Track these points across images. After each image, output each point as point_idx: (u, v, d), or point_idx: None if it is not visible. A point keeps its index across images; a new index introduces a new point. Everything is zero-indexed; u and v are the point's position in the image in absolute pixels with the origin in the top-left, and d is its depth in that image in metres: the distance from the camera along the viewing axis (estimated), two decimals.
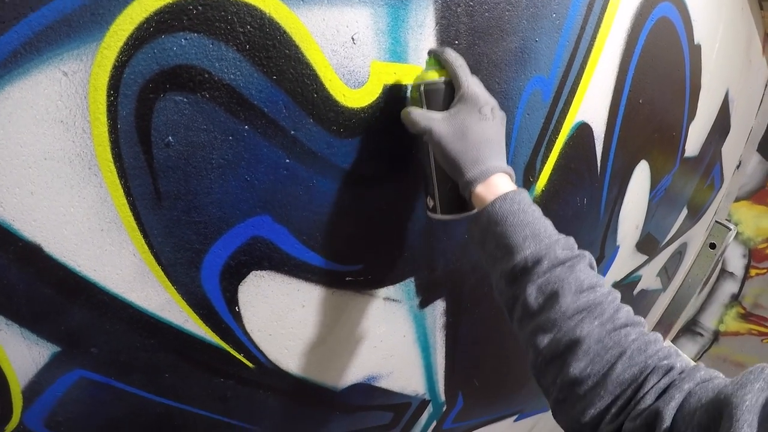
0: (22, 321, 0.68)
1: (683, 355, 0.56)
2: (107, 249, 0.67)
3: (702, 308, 2.74)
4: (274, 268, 0.82)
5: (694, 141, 1.64)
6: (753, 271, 2.63)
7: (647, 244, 1.74)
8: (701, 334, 2.74)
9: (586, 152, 1.16)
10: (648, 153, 1.40)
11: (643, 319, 0.60)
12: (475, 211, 0.70)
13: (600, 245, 1.40)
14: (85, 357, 0.76)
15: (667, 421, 0.48)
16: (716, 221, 2.27)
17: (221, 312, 0.81)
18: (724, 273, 2.68)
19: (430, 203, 0.75)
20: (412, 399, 1.25)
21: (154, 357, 0.81)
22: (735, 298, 2.68)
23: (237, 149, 0.69)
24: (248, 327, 0.86)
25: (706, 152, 1.80)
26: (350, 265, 0.89)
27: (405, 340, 1.07)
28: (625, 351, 0.54)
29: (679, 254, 2.16)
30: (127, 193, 0.65)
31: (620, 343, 0.54)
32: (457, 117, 0.67)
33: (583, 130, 1.11)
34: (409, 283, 0.98)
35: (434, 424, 1.43)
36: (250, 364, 0.90)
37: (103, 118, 0.60)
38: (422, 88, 0.70)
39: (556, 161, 1.08)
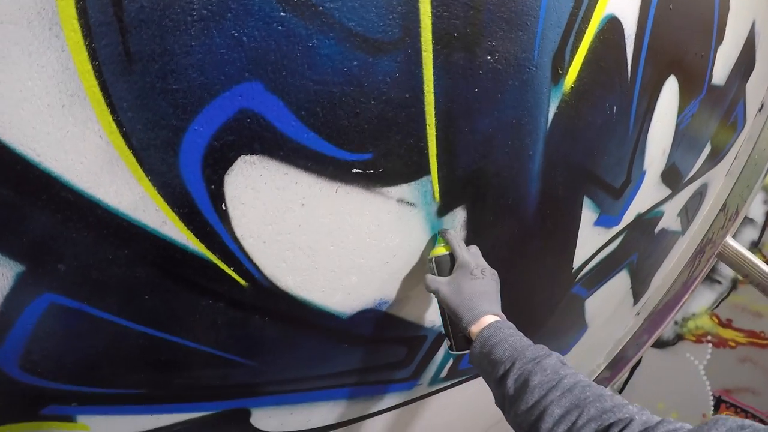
0: None
1: (647, 412, 0.64)
2: (69, 131, 0.59)
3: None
4: (267, 153, 0.72)
5: (721, 68, 1.55)
6: None
7: (671, 176, 1.64)
8: (719, 282, 2.66)
9: (616, 51, 1.04)
10: (677, 69, 1.30)
11: (604, 387, 0.71)
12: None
13: (627, 166, 1.29)
14: (53, 277, 0.68)
15: None
16: None
17: (205, 210, 0.72)
18: (744, 219, 2.59)
19: (448, 343, 0.98)
20: (427, 332, 1.15)
21: (130, 273, 0.73)
22: (755, 245, 2.60)
23: None
24: (237, 231, 0.77)
25: (731, 84, 1.71)
26: (358, 153, 0.78)
27: (419, 257, 0.97)
28: (584, 410, 0.65)
29: (700, 195, 2.07)
30: (93, 56, 0.57)
31: (579, 404, 0.66)
32: (455, 280, 0.90)
33: (613, 25, 1.01)
34: (426, 183, 0.87)
35: (450, 363, 1.34)
36: (242, 282, 0.82)
37: None
38: (432, 260, 0.94)
39: (585, 55, 0.97)
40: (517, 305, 1.30)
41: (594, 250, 1.41)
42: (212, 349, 0.89)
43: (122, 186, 0.65)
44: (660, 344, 2.65)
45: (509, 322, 0.87)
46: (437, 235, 0.96)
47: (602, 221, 1.34)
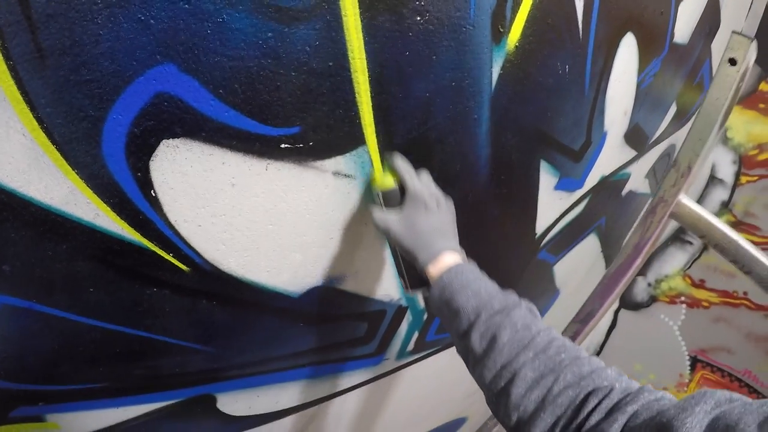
0: None
1: (625, 377, 0.61)
2: None
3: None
4: (188, 135, 0.69)
5: (683, 26, 1.52)
6: (744, 179, 2.56)
7: (636, 137, 1.63)
8: (690, 243, 2.68)
9: (564, 7, 1.01)
10: (635, 26, 1.27)
11: (579, 347, 0.66)
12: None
13: (586, 127, 1.27)
14: (0, 278, 0.68)
15: None
16: (733, 32, 1.85)
17: (135, 199, 0.70)
18: (713, 180, 2.60)
19: (402, 282, 0.95)
20: (386, 305, 1.13)
21: (71, 267, 0.72)
22: (725, 206, 2.62)
23: None
24: (171, 217, 0.75)
25: (695, 43, 1.68)
26: (284, 127, 0.75)
27: (367, 229, 0.94)
28: (559, 375, 0.61)
29: (668, 156, 2.06)
30: (6, 56, 0.55)
31: (554, 368, 0.62)
32: (408, 214, 0.83)
33: None
34: (363, 153, 0.84)
35: (416, 335, 1.32)
36: (184, 267, 0.80)
37: None
38: (379, 194, 0.86)
39: (529, 11, 0.92)
40: (485, 270, 1.29)
41: (557, 215, 1.40)
42: (165, 337, 0.88)
43: (51, 182, 0.64)
44: (634, 306, 2.68)
45: (471, 263, 0.82)
46: (382, 161, 0.87)
47: (563, 185, 1.32)
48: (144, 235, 0.74)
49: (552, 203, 1.33)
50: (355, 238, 0.95)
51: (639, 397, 0.55)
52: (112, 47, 0.59)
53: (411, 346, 1.36)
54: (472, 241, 1.14)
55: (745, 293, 2.56)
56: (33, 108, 0.59)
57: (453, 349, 1.43)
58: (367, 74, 0.77)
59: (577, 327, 2.26)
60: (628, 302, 2.69)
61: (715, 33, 1.81)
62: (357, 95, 0.78)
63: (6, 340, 0.74)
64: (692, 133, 1.92)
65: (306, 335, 1.08)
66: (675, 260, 2.65)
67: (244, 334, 0.98)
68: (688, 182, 1.90)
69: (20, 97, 0.58)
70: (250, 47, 0.67)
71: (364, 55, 0.75)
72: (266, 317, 0.97)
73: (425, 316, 1.27)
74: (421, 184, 0.84)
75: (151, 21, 0.60)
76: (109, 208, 0.69)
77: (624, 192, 1.82)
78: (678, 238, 2.66)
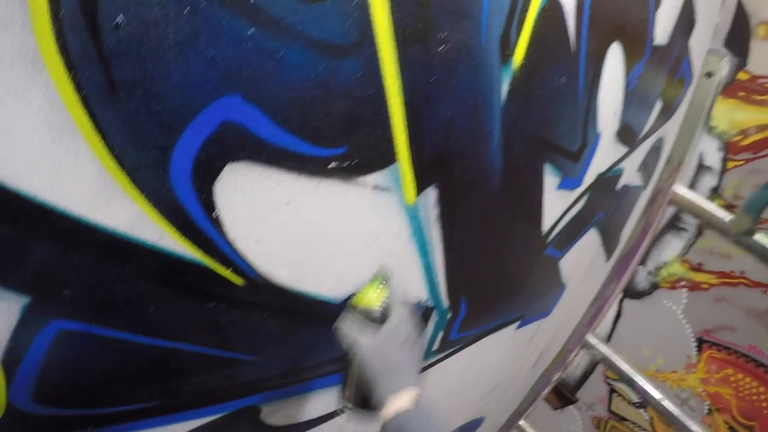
0: None
1: None
2: (62, 162, 0.61)
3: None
4: (250, 158, 0.76)
5: (662, 29, 1.62)
6: (730, 164, 2.64)
7: (626, 134, 1.72)
8: (685, 229, 2.77)
9: (558, 29, 1.12)
10: (620, 35, 1.38)
11: None
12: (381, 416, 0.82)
13: (582, 130, 1.38)
14: (58, 303, 0.70)
15: None
16: (709, 50, 2.17)
17: (198, 220, 0.76)
18: (701, 168, 2.69)
19: (346, 393, 0.91)
20: (415, 307, 1.22)
21: (133, 288, 0.75)
22: (715, 191, 2.70)
23: (194, 23, 0.63)
24: (230, 235, 0.80)
25: (674, 42, 1.78)
26: (332, 148, 0.84)
27: (400, 236, 1.03)
28: None
29: (657, 149, 2.15)
30: (78, 87, 0.59)
31: None
32: (383, 343, 0.83)
33: (552, 5, 1.08)
34: (396, 168, 0.93)
35: (441, 335, 1.41)
36: (239, 281, 0.86)
37: (43, 8, 0.54)
38: (359, 312, 0.90)
39: (530, 35, 1.04)
40: (495, 272, 1.38)
41: (561, 212, 1.50)
42: (218, 351, 0.92)
43: (118, 207, 0.67)
44: (637, 295, 2.75)
45: (424, 407, 0.81)
46: (377, 275, 0.91)
47: (565, 184, 1.43)
48: (206, 253, 0.79)
49: (555, 202, 1.43)
50: (389, 247, 1.03)
51: None
52: (181, 81, 0.64)
53: (436, 345, 1.44)
54: (487, 242, 1.24)
55: (742, 272, 2.63)
56: (103, 137, 0.62)
57: (472, 348, 1.51)
58: (400, 99, 0.86)
59: (595, 309, 2.39)
60: (630, 291, 2.76)
61: (692, 30, 1.91)
62: (392, 117, 0.87)
63: (59, 366, 0.76)
64: (681, 133, 2.15)
65: None
66: (672, 247, 2.73)
67: (289, 343, 1.04)
68: (680, 174, 2.11)
69: (90, 126, 0.61)
70: (304, 79, 0.74)
71: (398, 83, 0.84)
72: (310, 325, 1.04)
73: (449, 316, 1.37)
74: (405, 317, 0.86)
75: (218, 58, 0.66)
76: (174, 230, 0.73)
77: (618, 186, 1.91)
78: (673, 225, 2.74)
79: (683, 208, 2.13)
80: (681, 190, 2.10)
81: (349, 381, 0.89)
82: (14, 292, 0.66)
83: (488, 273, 1.38)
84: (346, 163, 0.86)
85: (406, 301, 0.89)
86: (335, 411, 1.38)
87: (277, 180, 0.80)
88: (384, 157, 0.90)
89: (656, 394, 2.13)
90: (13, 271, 0.64)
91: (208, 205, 0.75)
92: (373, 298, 0.89)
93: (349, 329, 0.86)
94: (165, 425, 0.98)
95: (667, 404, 2.09)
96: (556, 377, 2.30)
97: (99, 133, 0.62)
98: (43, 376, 0.75)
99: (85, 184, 0.64)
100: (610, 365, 2.30)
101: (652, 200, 2.20)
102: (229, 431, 1.13)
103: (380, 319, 0.86)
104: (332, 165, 0.84)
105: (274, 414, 1.19)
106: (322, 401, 1.29)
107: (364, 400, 0.86)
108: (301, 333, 1.04)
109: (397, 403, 0.79)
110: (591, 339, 2.37)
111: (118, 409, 0.88)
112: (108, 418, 0.88)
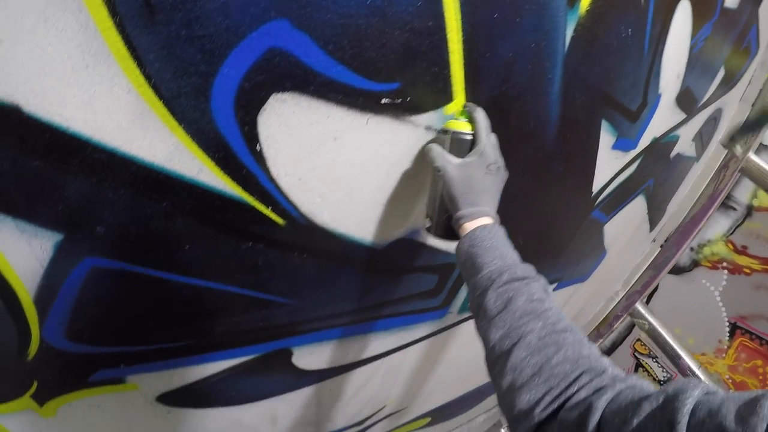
0: (14, 210, 0.61)
1: (615, 366, 0.63)
2: (96, 90, 0.59)
3: (736, 181, 2.66)
4: (297, 89, 0.72)
5: None
6: None
7: (686, 100, 1.65)
8: (734, 209, 2.67)
9: None
10: None
11: (582, 331, 0.68)
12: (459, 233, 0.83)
13: (643, 89, 1.31)
14: (92, 240, 0.69)
15: (598, 414, 0.54)
16: None
17: (240, 153, 0.73)
18: (759, 147, 2.58)
19: (427, 223, 0.92)
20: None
21: (169, 225, 0.74)
22: None
23: None
24: (273, 171, 0.78)
25: (744, 8, 1.69)
26: (386, 82, 0.79)
27: None
28: (561, 348, 0.63)
29: (714, 120, 2.07)
30: (113, 11, 0.55)
31: (558, 342, 0.64)
32: (469, 167, 0.82)
33: None
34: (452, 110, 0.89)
35: None
36: (280, 221, 0.84)
37: None
38: (451, 134, 0.85)
39: None
40: (540, 229, 1.34)
41: (612, 174, 1.44)
42: (253, 292, 0.91)
43: (155, 138, 0.65)
44: (676, 270, 2.67)
45: (503, 230, 0.83)
46: (464, 108, 0.88)
47: (620, 145, 1.37)
48: (246, 189, 0.76)
49: (609, 162, 1.37)
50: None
51: (627, 379, 0.58)
52: (226, 3, 0.60)
53: None
54: (536, 197, 1.20)
55: None
56: (140, 64, 0.59)
57: None
58: (460, 34, 0.81)
59: (651, 273, 2.34)
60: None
61: None
62: (450, 54, 0.82)
63: (92, 303, 0.76)
64: (761, 96, 2.03)
65: (382, 286, 1.13)
66: (718, 225, 2.63)
67: (327, 287, 1.02)
68: (757, 141, 2.01)
69: (127, 53, 0.58)
70: (359, 5, 0.70)
71: (459, 17, 0.79)
72: (350, 269, 1.02)
73: None
74: (491, 145, 0.84)
75: None
76: (213, 163, 0.71)
77: (672, 154, 1.84)
78: (722, 203, 2.66)
79: (754, 179, 2.05)
80: (755, 158, 1.99)
81: (431, 208, 0.91)
82: (47, 229, 0.66)
83: (534, 230, 1.34)
84: (399, 100, 0.82)
85: (493, 134, 0.86)
86: (367, 358, 1.38)
87: (325, 113, 0.76)
88: (439, 97, 0.86)
89: (700, 374, 2.06)
90: (45, 207, 0.64)
91: (251, 137, 0.72)
92: (461, 124, 0.85)
93: (439, 155, 0.84)
94: (196, 365, 0.99)
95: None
96: (597, 344, 2.21)
97: (135, 60, 0.59)
98: (76, 314, 0.75)
99: (121, 114, 0.62)
100: (656, 338, 2.23)
101: (724, 166, 2.12)
102: (260, 373, 1.14)
103: (469, 143, 0.85)
104: (384, 101, 0.81)
105: (306, 358, 1.19)
106: (354, 347, 1.29)
107: (446, 228, 0.88)
108: (339, 277, 1.03)
109: (475, 221, 0.81)
110: (641, 308, 2.29)
111: (150, 347, 0.89)
112: (140, 355, 0.89)
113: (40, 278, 0.69)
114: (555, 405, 0.59)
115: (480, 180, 0.82)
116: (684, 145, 1.90)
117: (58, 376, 0.85)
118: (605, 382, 0.59)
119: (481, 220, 0.81)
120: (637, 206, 1.83)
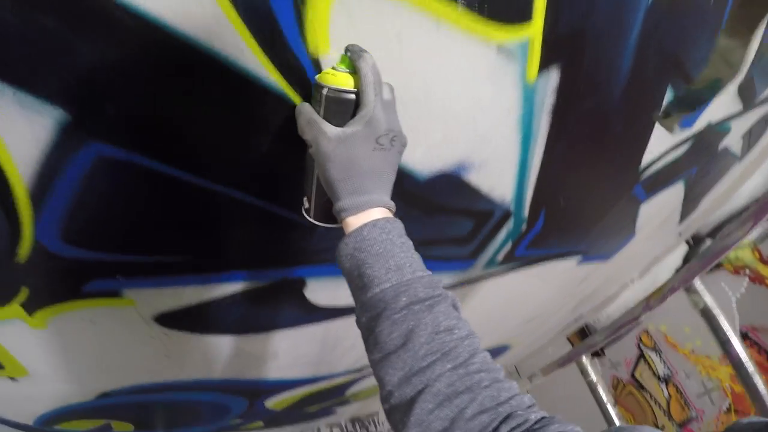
0: (15, 79, 0.54)
1: (537, 408, 0.54)
2: None
3: None
4: None
5: None
6: None
7: (747, 90, 1.58)
8: None
9: None
10: None
11: (500, 366, 0.58)
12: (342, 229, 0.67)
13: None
14: (101, 122, 0.62)
15: None
16: None
17: (290, 38, 0.63)
18: None
19: (306, 204, 0.74)
20: (495, 207, 1.15)
21: (193, 112, 0.66)
22: None
23: None
24: (323, 63, 0.68)
25: None
26: None
27: (508, 116, 0.92)
28: (477, 397, 0.53)
29: (765, 122, 2.00)
30: None
31: (471, 389, 0.54)
32: (350, 141, 0.62)
33: None
34: (527, 34, 0.81)
35: (509, 245, 1.35)
36: None
37: None
38: (325, 92, 0.63)
39: None
40: (583, 193, 1.30)
41: (663, 150, 1.39)
42: (273, 206, 0.85)
43: (193, 4, 0.56)
44: None
45: (397, 222, 0.67)
46: (346, 53, 0.64)
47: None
48: (288, 81, 0.67)
49: (663, 136, 1.32)
50: (493, 126, 0.93)
51: (551, 424, 0.50)
52: None
53: (501, 256, 1.40)
54: (587, 156, 1.15)
55: None
56: None
57: (529, 271, 1.42)
58: None
59: (722, 245, 2.19)
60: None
61: None
62: None
63: (93, 201, 0.69)
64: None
65: (415, 224, 1.04)
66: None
67: None
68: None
69: None
70: None
71: None
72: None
73: (523, 228, 1.30)
74: (383, 107, 0.63)
75: None
76: (257, 45, 0.61)
77: (720, 146, 1.79)
78: None
79: None
80: None
81: (308, 188, 0.73)
82: (51, 104, 0.58)
83: (576, 192, 1.30)
84: (474, 9, 0.73)
85: (389, 85, 0.65)
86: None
87: (392, 7, 0.67)
88: (516, 16, 0.78)
89: (749, 366, 1.96)
90: (52, 76, 0.56)
91: (302, 20, 0.63)
92: (341, 77, 0.63)
93: (310, 120, 0.64)
94: (200, 285, 0.94)
95: (759, 381, 1.93)
96: (643, 317, 2.11)
97: None
98: (74, 212, 0.69)
99: None
100: (709, 319, 2.13)
101: None
102: (269, 303, 1.11)
103: (352, 104, 0.64)
104: (460, 8, 0.72)
105: (319, 291, 1.15)
106: None
107: (328, 212, 0.69)
108: None
109: (363, 214, 0.64)
110: (698, 284, 2.15)
111: (150, 258, 0.83)
112: (138, 266, 0.84)
113: (38, 166, 0.62)
114: None
115: (366, 158, 0.63)
116: (733, 140, 1.84)
117: (50, 283, 0.80)
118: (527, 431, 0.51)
119: (369, 214, 0.64)
120: (675, 193, 1.78)
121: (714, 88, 1.31)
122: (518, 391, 0.56)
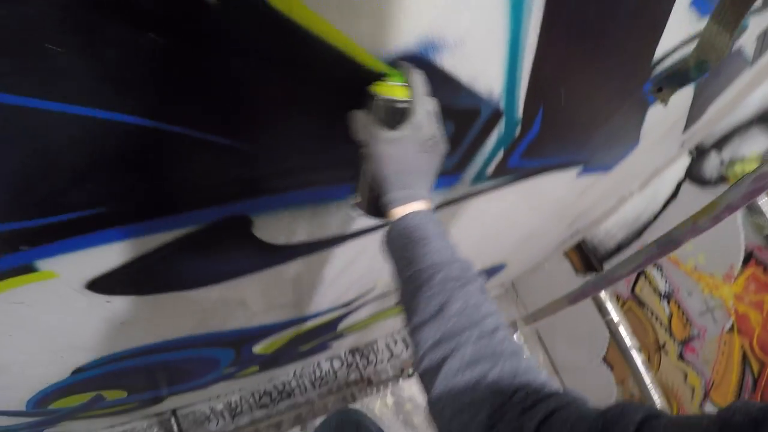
0: None
1: (551, 379, 0.60)
2: None
3: None
4: None
5: None
6: None
7: None
8: None
9: None
10: None
11: (521, 345, 0.67)
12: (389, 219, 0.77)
13: None
14: None
15: None
16: None
17: None
18: None
19: (357, 198, 0.86)
20: (482, 103, 0.95)
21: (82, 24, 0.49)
22: None
23: None
24: None
25: None
26: None
27: None
28: (497, 363, 0.60)
29: None
30: None
31: (494, 356, 0.60)
32: (400, 144, 0.72)
33: None
34: None
35: (501, 153, 1.19)
36: None
37: None
38: (381, 102, 0.71)
39: None
40: (587, 86, 1.13)
41: (679, 41, 1.20)
42: (192, 130, 0.68)
43: None
44: (701, 181, 2.49)
45: (435, 215, 0.77)
46: (398, 67, 0.71)
47: (697, 2, 1.11)
48: None
49: (681, 23, 1.13)
50: None
51: (561, 396, 0.56)
52: None
53: (491, 168, 1.23)
54: (595, 39, 0.97)
55: None
56: None
57: (521, 187, 1.38)
58: None
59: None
60: (695, 176, 2.50)
61: None
62: None
63: None
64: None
65: None
66: (756, 143, 2.40)
67: (298, 122, 0.78)
68: None
69: None
70: None
71: None
72: (331, 94, 0.75)
73: (517, 132, 1.12)
74: (428, 115, 0.74)
75: None
76: None
77: (734, 48, 1.60)
78: (766, 119, 2.42)
79: None
80: None
81: (360, 184, 0.84)
82: None
83: (581, 85, 1.11)
84: None
85: (433, 99, 0.75)
86: (350, 234, 1.22)
87: None
88: None
89: None
90: None
91: None
92: (395, 89, 0.71)
93: (365, 125, 0.73)
94: (125, 239, 0.82)
95: None
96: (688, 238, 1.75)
97: None
98: None
99: None
100: None
101: None
102: (213, 247, 0.99)
103: (403, 113, 0.72)
104: None
105: (269, 229, 1.01)
106: (333, 219, 1.11)
107: (374, 202, 0.80)
108: (313, 108, 0.77)
109: (407, 206, 0.75)
110: (764, 204, 2.01)
111: (55, 218, 0.69)
112: (44, 231, 0.71)
113: None
114: (489, 423, 0.57)
115: (413, 159, 0.74)
116: (748, 40, 1.66)
117: None
118: (538, 399, 0.56)
119: (413, 205, 0.76)
120: (685, 96, 1.60)
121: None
122: (536, 365, 0.62)
